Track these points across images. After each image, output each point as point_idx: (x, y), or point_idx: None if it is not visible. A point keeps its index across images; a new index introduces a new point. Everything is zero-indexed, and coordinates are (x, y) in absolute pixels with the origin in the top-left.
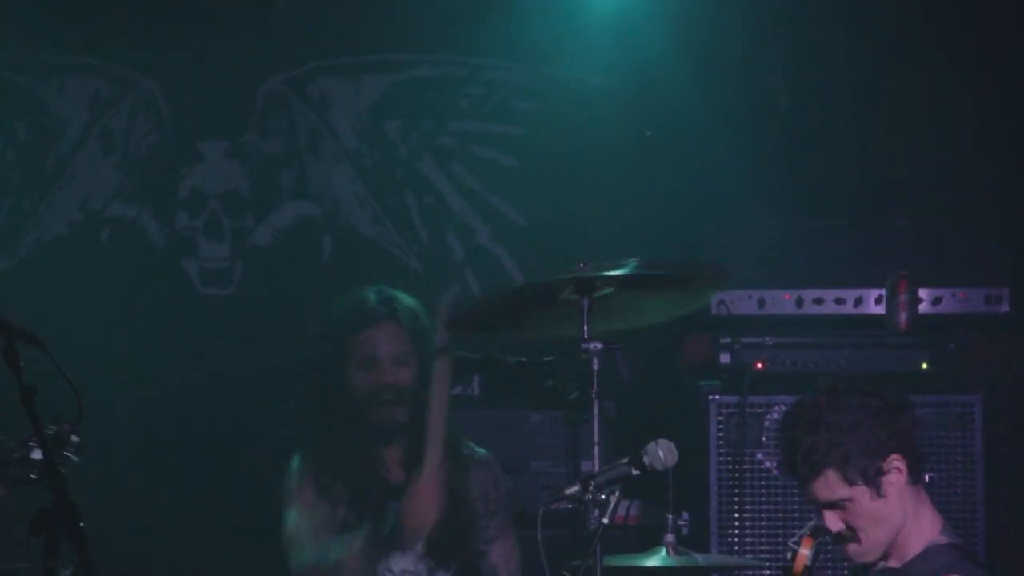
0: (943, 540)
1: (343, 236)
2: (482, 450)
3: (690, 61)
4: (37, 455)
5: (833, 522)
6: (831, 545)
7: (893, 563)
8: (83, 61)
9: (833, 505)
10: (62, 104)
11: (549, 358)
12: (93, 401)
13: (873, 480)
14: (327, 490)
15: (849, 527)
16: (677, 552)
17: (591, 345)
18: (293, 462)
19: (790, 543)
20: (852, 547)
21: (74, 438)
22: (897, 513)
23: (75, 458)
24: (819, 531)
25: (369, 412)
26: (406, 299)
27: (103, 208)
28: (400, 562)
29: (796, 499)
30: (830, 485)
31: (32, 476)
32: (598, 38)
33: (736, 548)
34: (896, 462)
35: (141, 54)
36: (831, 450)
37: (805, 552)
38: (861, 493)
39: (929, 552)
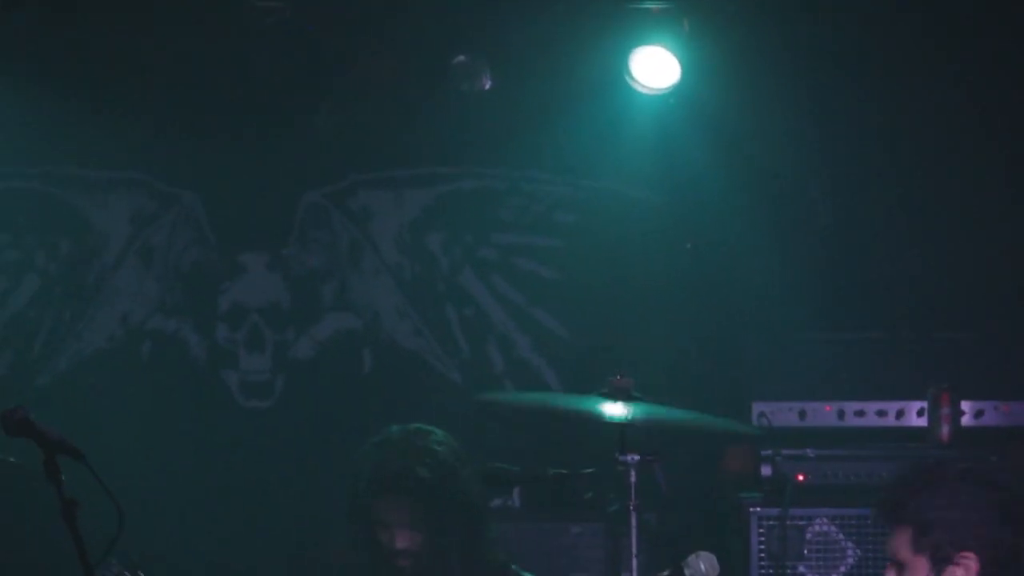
0: None
1: (383, 348)
2: (518, 568)
3: (731, 174)
4: None
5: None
6: None
7: None
8: (127, 176)
9: (895, 564)
10: (105, 219)
11: (588, 470)
12: (133, 514)
13: (939, 561)
14: None
15: None
16: None
17: (628, 457)
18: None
19: None
20: None
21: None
22: None
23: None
24: None
25: (392, 564)
26: (434, 441)
27: (144, 322)
28: None
29: None
30: (900, 542)
31: None
32: (639, 151)
33: None
34: (968, 560)
35: (183, 168)
36: (920, 512)
37: None
38: (922, 565)
39: None
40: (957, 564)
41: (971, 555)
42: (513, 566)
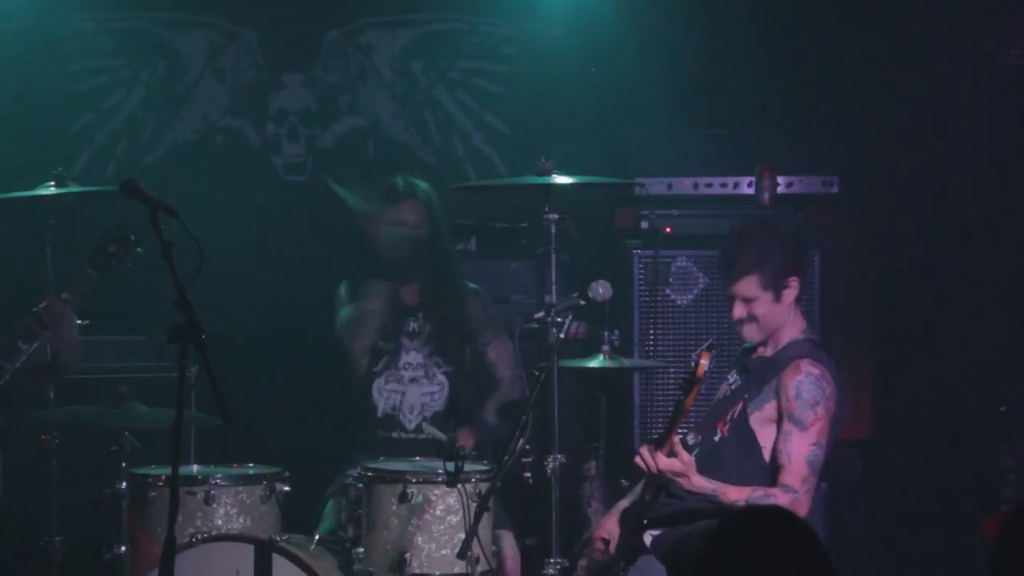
0: (804, 336)
1: (382, 140)
2: (475, 285)
3: (624, 10)
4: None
5: (739, 311)
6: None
7: (769, 352)
8: (204, 19)
9: (746, 300)
10: (189, 48)
11: (524, 224)
12: (209, 260)
13: (778, 288)
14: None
15: (749, 315)
16: (611, 357)
17: (551, 215)
18: (341, 286)
19: (693, 355)
20: (746, 328)
21: (132, 236)
22: (782, 315)
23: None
24: (713, 347)
25: (395, 258)
26: (423, 184)
27: (217, 121)
28: (413, 357)
29: (693, 323)
30: (747, 284)
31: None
32: (562, 2)
33: (651, 355)
34: (794, 282)
35: (242, 13)
36: (760, 261)
37: (704, 363)
38: (766, 296)
39: (793, 344)
40: (789, 288)
41: (795, 278)
42: (471, 285)
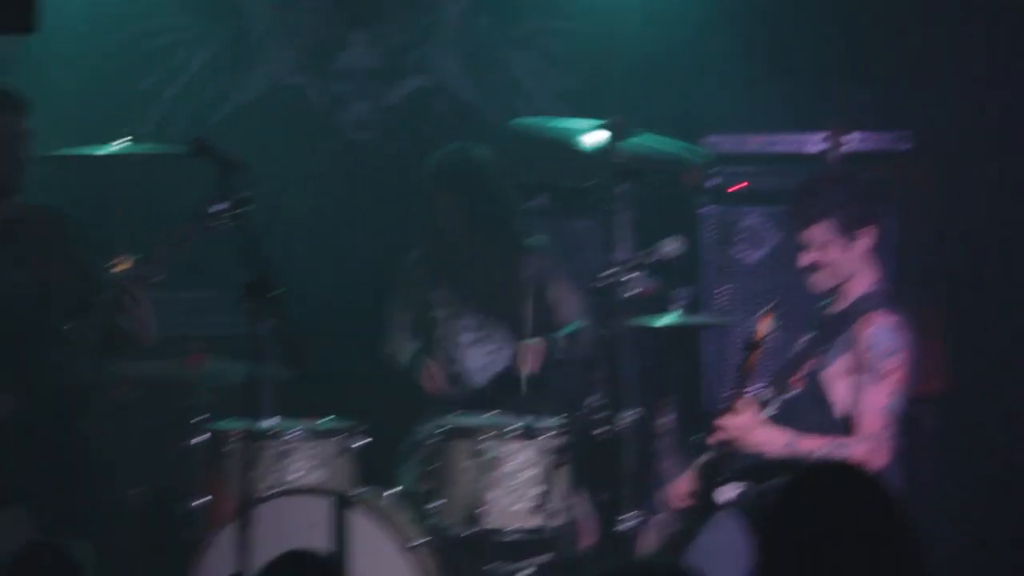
0: (876, 288)
1: (449, 100)
2: (535, 241)
3: None
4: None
5: (810, 257)
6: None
7: (842, 305)
8: None
9: (818, 245)
10: (254, 7)
11: (592, 182)
12: (279, 217)
13: (851, 236)
14: (427, 267)
15: (820, 262)
16: (681, 314)
17: (619, 173)
18: (412, 252)
19: (754, 318)
20: (817, 276)
21: (240, 196)
22: (854, 263)
23: (249, 209)
24: (775, 309)
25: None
26: (478, 153)
27: (283, 79)
28: (470, 321)
29: (763, 280)
30: (822, 230)
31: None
32: None
33: (721, 312)
34: (868, 232)
35: None
36: (834, 207)
37: (765, 325)
38: (839, 243)
39: (864, 297)
40: (862, 236)
41: (870, 229)
42: (530, 242)
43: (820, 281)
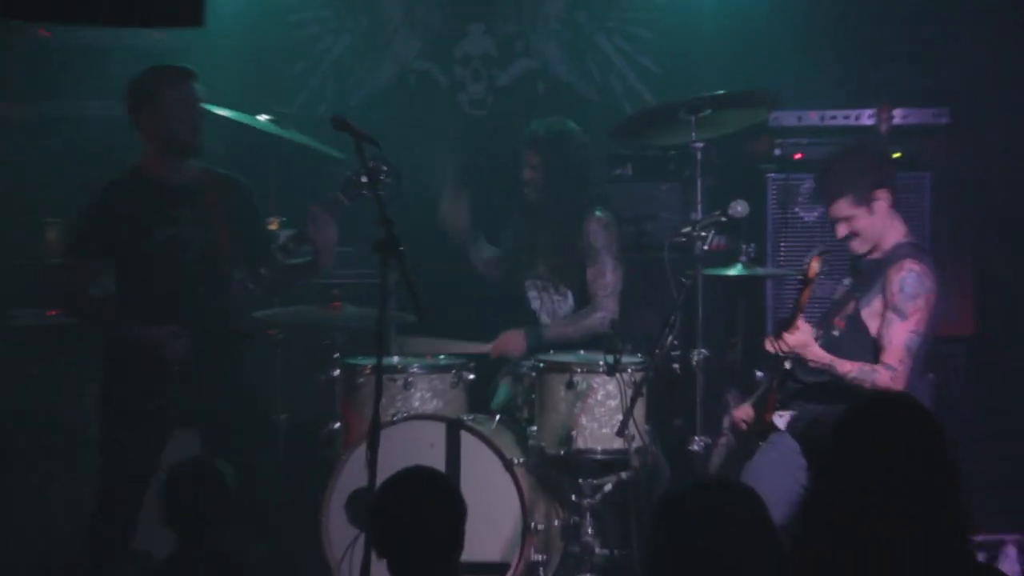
0: (906, 240)
1: (551, 81)
2: (602, 212)
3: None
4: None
5: (842, 230)
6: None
7: (877, 255)
8: None
9: (845, 219)
10: (386, 3)
11: (673, 151)
12: (406, 183)
13: (869, 201)
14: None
15: (851, 232)
16: (748, 266)
17: (697, 144)
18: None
19: (805, 260)
20: (853, 243)
21: (384, 168)
22: (880, 225)
23: (390, 181)
24: (824, 252)
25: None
26: (568, 124)
27: (411, 64)
28: (536, 282)
29: (818, 236)
30: (842, 206)
31: (363, 193)
32: None
33: (782, 264)
34: (882, 194)
35: None
36: (845, 184)
37: (815, 264)
38: (861, 212)
39: (898, 247)
40: (878, 199)
41: (881, 190)
42: (598, 212)
43: (858, 246)
